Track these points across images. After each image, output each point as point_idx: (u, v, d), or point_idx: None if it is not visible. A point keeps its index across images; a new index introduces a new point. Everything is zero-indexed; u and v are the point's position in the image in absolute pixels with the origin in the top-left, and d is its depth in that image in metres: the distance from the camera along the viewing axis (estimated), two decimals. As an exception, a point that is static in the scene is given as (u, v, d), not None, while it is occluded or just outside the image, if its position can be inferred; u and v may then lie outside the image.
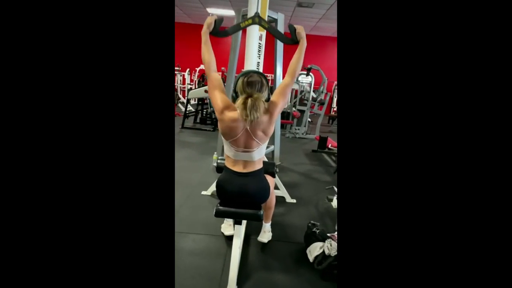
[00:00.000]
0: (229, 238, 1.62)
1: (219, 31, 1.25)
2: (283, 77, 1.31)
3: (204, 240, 1.66)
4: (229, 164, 1.30)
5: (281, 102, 1.22)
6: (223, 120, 1.18)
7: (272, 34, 1.37)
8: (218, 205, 1.31)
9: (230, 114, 1.17)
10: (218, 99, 1.19)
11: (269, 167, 1.48)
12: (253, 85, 1.16)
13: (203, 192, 2.27)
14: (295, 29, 1.23)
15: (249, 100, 1.12)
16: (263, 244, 1.61)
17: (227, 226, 1.69)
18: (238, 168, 1.27)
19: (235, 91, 1.22)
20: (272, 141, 3.03)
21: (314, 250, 1.47)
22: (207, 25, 1.20)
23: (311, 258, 1.47)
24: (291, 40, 1.27)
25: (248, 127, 1.18)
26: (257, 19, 1.30)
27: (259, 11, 2.04)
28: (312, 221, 1.66)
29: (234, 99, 1.22)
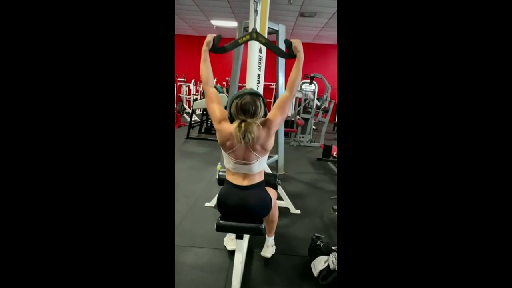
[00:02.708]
0: (232, 253, 1.58)
1: (218, 48, 1.28)
2: (285, 86, 1.30)
3: (207, 254, 1.63)
4: (229, 177, 1.29)
5: (279, 117, 1.22)
6: (221, 131, 1.20)
7: (269, 49, 1.37)
8: (219, 219, 1.30)
9: (227, 126, 1.19)
10: (216, 110, 1.24)
11: (270, 179, 1.46)
12: (246, 111, 1.15)
13: (207, 204, 2.25)
14: (291, 44, 1.23)
15: (243, 125, 1.12)
16: (266, 258, 1.57)
17: (229, 240, 1.66)
18: (238, 181, 1.26)
19: (230, 112, 1.21)
20: (276, 150, 3.01)
21: (319, 264, 1.43)
22: (206, 43, 1.24)
23: (315, 272, 1.43)
24: (288, 55, 1.27)
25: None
26: (254, 35, 1.32)
27: (259, 22, 2.07)
28: (316, 234, 1.62)
29: (230, 119, 1.21)
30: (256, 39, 1.32)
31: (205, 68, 1.26)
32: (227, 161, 1.26)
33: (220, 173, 1.50)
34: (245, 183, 1.26)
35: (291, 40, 1.23)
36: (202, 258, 1.59)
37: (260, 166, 1.26)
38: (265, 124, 1.19)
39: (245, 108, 1.14)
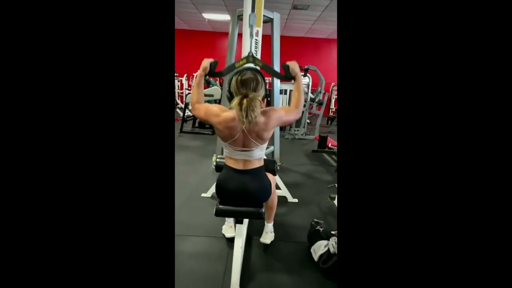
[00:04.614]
0: (231, 240, 1.57)
1: (215, 72, 1.29)
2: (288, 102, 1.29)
3: (205, 242, 1.61)
4: (228, 162, 1.27)
5: (282, 113, 1.21)
6: (220, 123, 1.16)
7: (266, 72, 1.36)
8: (218, 204, 1.28)
9: (227, 114, 1.16)
10: (212, 107, 1.20)
11: (269, 165, 1.45)
12: (247, 85, 1.14)
13: (203, 194, 2.23)
14: (288, 66, 1.25)
15: (245, 101, 1.08)
16: (265, 245, 1.57)
17: (228, 228, 1.64)
18: (238, 166, 1.24)
19: (229, 91, 1.19)
20: (272, 142, 3.00)
21: (319, 248, 1.43)
22: (203, 68, 1.23)
23: (315, 257, 1.43)
24: (285, 76, 1.29)
25: (245, 128, 1.15)
26: (251, 58, 1.31)
27: (254, 10, 2.04)
28: (315, 219, 1.63)
29: (230, 100, 1.18)
30: (253, 62, 1.31)
31: (197, 93, 1.24)
32: (227, 150, 1.25)
33: (218, 160, 1.47)
34: (244, 167, 1.24)
35: (288, 62, 1.24)
36: (201, 246, 1.57)
37: (260, 153, 1.25)
38: (266, 112, 1.16)
39: (246, 82, 1.13)
